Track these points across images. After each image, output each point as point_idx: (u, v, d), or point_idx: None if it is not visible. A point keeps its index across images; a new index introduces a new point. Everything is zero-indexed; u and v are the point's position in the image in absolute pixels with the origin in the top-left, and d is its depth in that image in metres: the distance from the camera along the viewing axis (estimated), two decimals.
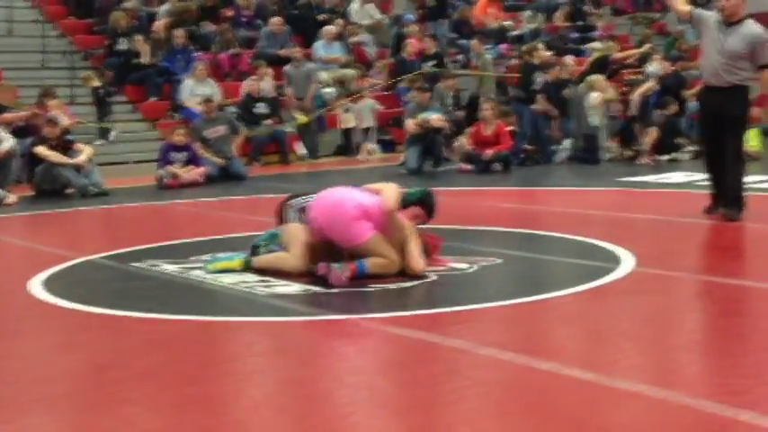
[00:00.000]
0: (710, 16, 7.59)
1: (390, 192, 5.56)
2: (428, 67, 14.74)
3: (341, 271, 5.29)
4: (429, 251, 5.68)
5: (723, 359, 3.81)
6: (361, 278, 5.35)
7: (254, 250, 5.90)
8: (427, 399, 3.43)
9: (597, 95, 12.90)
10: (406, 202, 5.71)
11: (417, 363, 3.92)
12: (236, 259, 5.81)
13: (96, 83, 13.99)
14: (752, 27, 7.39)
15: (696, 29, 7.54)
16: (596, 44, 16.72)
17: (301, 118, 14.54)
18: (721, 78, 7.41)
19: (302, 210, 5.83)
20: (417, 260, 5.47)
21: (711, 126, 7.61)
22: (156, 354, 4.12)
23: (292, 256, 5.59)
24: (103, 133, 13.78)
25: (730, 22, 7.36)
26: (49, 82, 13.85)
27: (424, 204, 5.83)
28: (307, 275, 5.50)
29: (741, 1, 7.36)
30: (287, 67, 15.02)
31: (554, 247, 6.70)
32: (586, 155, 12.93)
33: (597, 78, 13.12)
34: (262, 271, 5.68)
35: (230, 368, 3.91)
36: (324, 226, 5.53)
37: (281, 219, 6.04)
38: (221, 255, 6.01)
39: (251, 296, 5.16)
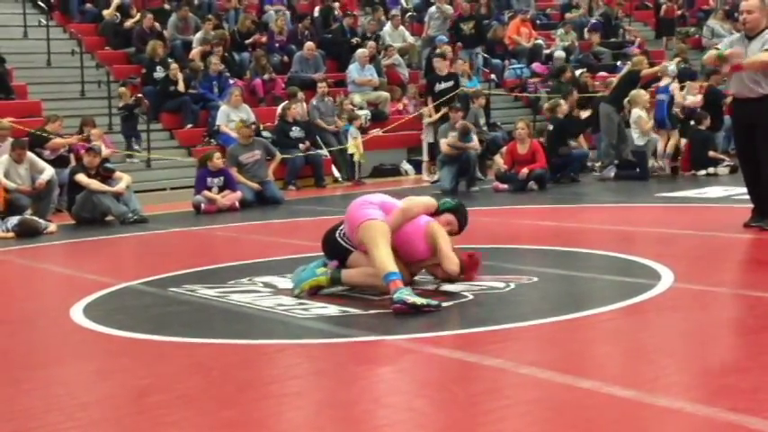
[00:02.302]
0: (734, 37, 7.84)
1: (420, 199, 5.80)
2: (442, 87, 14.74)
3: None
4: (465, 269, 5.70)
5: (766, 375, 3.75)
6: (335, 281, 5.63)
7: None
8: (467, 419, 3.41)
9: (641, 114, 12.79)
10: (439, 211, 5.86)
11: (456, 383, 3.90)
12: (322, 276, 5.71)
13: (127, 101, 14.19)
14: None
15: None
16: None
17: (352, 146, 14.53)
18: (751, 90, 7.42)
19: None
20: (451, 258, 5.58)
21: (746, 138, 7.59)
22: (194, 378, 4.15)
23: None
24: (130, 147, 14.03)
25: (752, 35, 7.48)
26: (88, 111, 14.07)
27: (457, 213, 5.93)
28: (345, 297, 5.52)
29: (761, 15, 7.52)
30: (314, 100, 15.11)
31: (591, 264, 6.65)
32: (634, 172, 12.82)
33: (638, 93, 13.03)
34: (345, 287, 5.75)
35: (268, 391, 3.92)
36: (346, 218, 5.67)
37: (337, 249, 5.84)
38: (299, 272, 5.85)
39: (289, 319, 5.17)
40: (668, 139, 12.79)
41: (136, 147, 13.99)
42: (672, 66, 13.66)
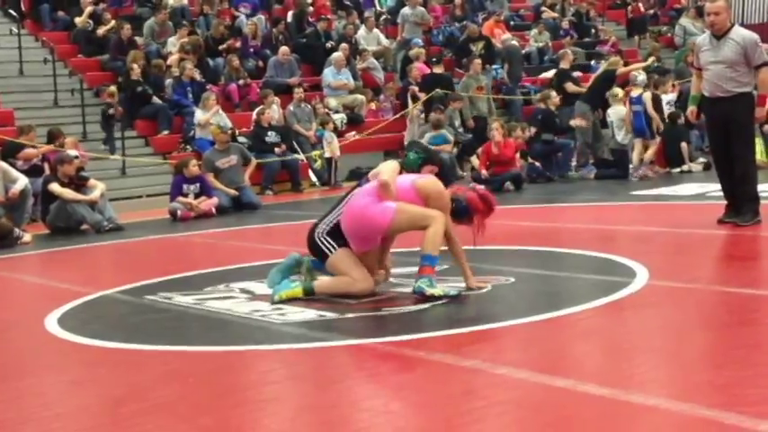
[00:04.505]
0: (703, 38, 7.85)
1: (385, 167, 5.65)
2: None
3: None
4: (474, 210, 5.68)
5: (741, 370, 3.77)
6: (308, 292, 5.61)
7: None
8: (445, 420, 3.41)
9: (625, 110, 12.87)
10: (411, 168, 5.83)
11: (434, 384, 3.91)
12: (297, 288, 5.68)
13: (112, 101, 14.20)
14: (740, 31, 7.63)
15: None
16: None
17: (317, 153, 14.58)
18: (724, 89, 7.49)
19: (333, 229, 5.73)
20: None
21: (720, 135, 7.64)
22: (171, 386, 4.13)
23: (361, 280, 5.57)
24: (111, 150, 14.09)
25: (720, 35, 7.54)
26: (61, 120, 13.99)
27: (430, 161, 5.95)
28: (322, 301, 5.51)
29: (728, 14, 7.65)
30: (290, 106, 15.11)
31: (567, 263, 6.68)
32: (614, 171, 12.87)
33: (618, 91, 13.10)
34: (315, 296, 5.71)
35: (246, 397, 3.91)
36: (353, 233, 5.57)
37: (317, 249, 5.80)
38: (274, 274, 5.88)
39: (266, 324, 5.16)
40: (646, 148, 12.85)
41: (109, 153, 13.97)
42: (641, 76, 13.74)
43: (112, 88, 14.47)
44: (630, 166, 12.76)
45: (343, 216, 5.66)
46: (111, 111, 14.10)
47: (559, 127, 13.63)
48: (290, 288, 5.69)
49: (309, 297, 5.65)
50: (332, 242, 5.70)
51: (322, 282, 5.72)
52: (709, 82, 7.62)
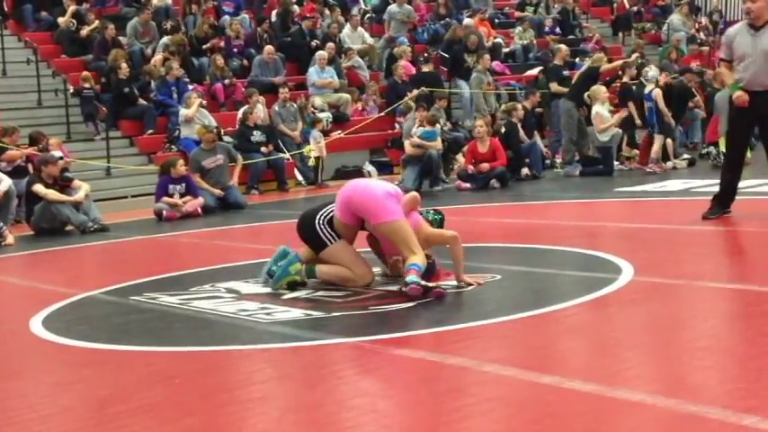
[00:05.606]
0: (735, 29, 7.73)
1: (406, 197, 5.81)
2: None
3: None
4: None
5: (726, 365, 3.79)
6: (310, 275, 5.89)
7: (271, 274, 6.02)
8: (432, 418, 3.41)
9: (599, 111, 12.88)
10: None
11: (420, 382, 3.91)
12: (296, 275, 5.91)
13: (90, 84, 14.17)
14: None
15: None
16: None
17: (308, 149, 14.54)
18: (765, 83, 7.38)
19: (330, 221, 5.85)
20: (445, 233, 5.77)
21: (747, 127, 7.65)
22: (156, 386, 4.11)
23: (364, 276, 5.81)
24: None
25: (758, 25, 7.40)
26: (45, 121, 13.91)
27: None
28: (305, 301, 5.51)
29: (766, 4, 7.41)
30: (275, 106, 15.07)
31: (553, 260, 6.69)
32: (599, 168, 12.88)
33: (597, 89, 13.11)
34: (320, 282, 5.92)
35: (232, 397, 3.89)
36: (355, 200, 5.70)
37: (314, 237, 5.91)
38: (266, 270, 6.05)
39: (251, 324, 5.15)
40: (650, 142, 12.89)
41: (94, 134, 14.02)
42: (652, 72, 13.71)
43: (86, 73, 14.46)
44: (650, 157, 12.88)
45: (355, 186, 5.86)
46: (84, 89, 14.08)
47: (520, 146, 13.41)
48: (289, 276, 5.88)
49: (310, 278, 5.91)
50: (332, 231, 5.86)
51: (325, 270, 5.90)
52: (748, 73, 7.42)
